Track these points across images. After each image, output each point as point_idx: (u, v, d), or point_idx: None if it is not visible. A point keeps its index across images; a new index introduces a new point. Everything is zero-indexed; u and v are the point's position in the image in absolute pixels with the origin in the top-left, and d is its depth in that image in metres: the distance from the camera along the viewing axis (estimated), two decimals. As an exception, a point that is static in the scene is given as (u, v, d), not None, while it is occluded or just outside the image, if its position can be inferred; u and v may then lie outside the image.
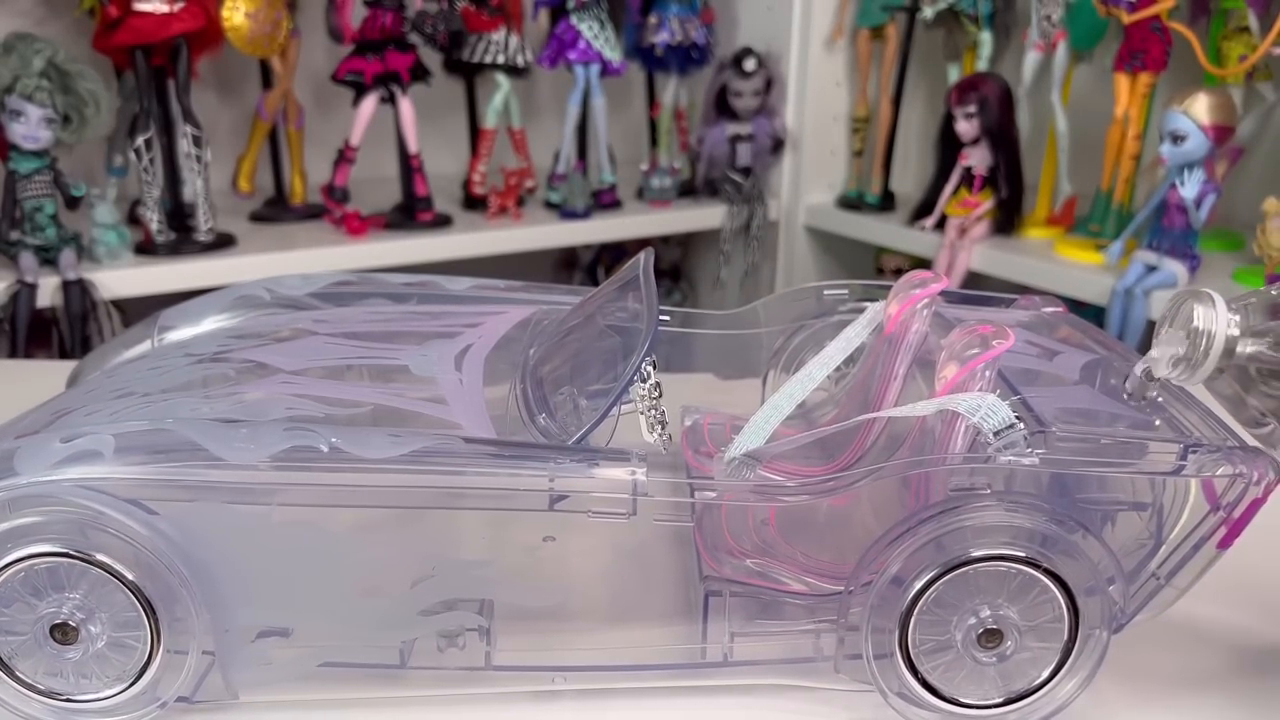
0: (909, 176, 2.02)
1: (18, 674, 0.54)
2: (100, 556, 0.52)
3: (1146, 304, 1.42)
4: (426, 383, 0.63)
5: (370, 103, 1.60)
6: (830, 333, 0.73)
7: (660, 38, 1.82)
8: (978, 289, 0.79)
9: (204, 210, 1.51)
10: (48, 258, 1.38)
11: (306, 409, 0.58)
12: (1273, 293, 0.51)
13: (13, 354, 1.37)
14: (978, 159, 1.66)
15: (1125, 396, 0.57)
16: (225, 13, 1.46)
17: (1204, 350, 0.49)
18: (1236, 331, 0.49)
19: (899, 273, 1.63)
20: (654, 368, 0.60)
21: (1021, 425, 0.53)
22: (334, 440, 0.53)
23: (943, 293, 0.68)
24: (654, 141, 1.97)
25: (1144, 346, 1.38)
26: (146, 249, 1.48)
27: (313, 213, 1.69)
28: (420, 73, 1.63)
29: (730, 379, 0.80)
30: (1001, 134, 1.63)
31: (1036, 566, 0.54)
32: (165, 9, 1.41)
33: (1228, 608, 0.67)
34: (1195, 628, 0.65)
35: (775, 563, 0.59)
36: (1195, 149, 1.36)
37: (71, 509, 0.52)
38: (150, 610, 0.53)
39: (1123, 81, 1.52)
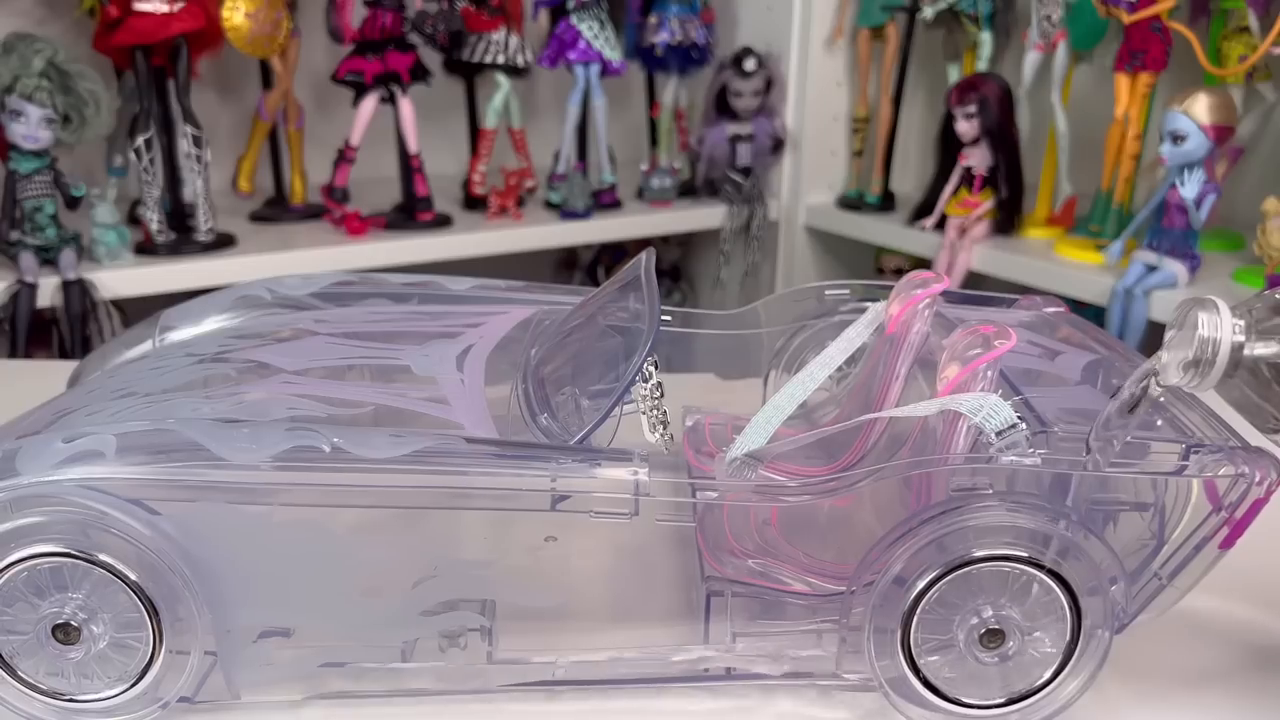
0: (909, 176, 2.03)
1: (20, 674, 0.54)
2: (102, 556, 0.52)
3: (1146, 304, 1.42)
4: (428, 383, 0.63)
5: (370, 103, 1.60)
6: (831, 333, 0.73)
7: (660, 38, 1.82)
8: (978, 289, 0.79)
9: (204, 210, 1.51)
10: (48, 258, 1.38)
11: (308, 409, 0.58)
12: (1278, 296, 0.51)
13: (13, 354, 1.37)
14: (978, 159, 1.66)
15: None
16: (225, 13, 1.46)
17: (1211, 356, 0.49)
18: (1242, 337, 0.49)
19: (899, 273, 1.63)
20: (655, 368, 0.60)
21: (1023, 425, 0.53)
22: (336, 440, 0.53)
23: (943, 293, 0.68)
24: (654, 141, 1.97)
25: (1144, 346, 1.39)
26: (146, 249, 1.48)
27: (313, 213, 1.69)
28: (420, 73, 1.63)
29: (731, 379, 0.80)
30: (1001, 134, 1.63)
31: (1039, 567, 0.54)
32: (165, 9, 1.41)
33: (1232, 605, 0.67)
34: (1199, 625, 0.65)
35: (777, 563, 0.59)
36: (1195, 149, 1.36)
37: (73, 509, 0.52)
38: (152, 610, 0.53)
39: (1123, 81, 1.52)
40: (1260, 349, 0.49)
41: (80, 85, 1.33)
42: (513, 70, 1.75)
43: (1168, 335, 0.51)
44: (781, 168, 1.97)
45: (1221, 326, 0.49)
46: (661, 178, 1.89)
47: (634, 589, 0.60)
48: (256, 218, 1.68)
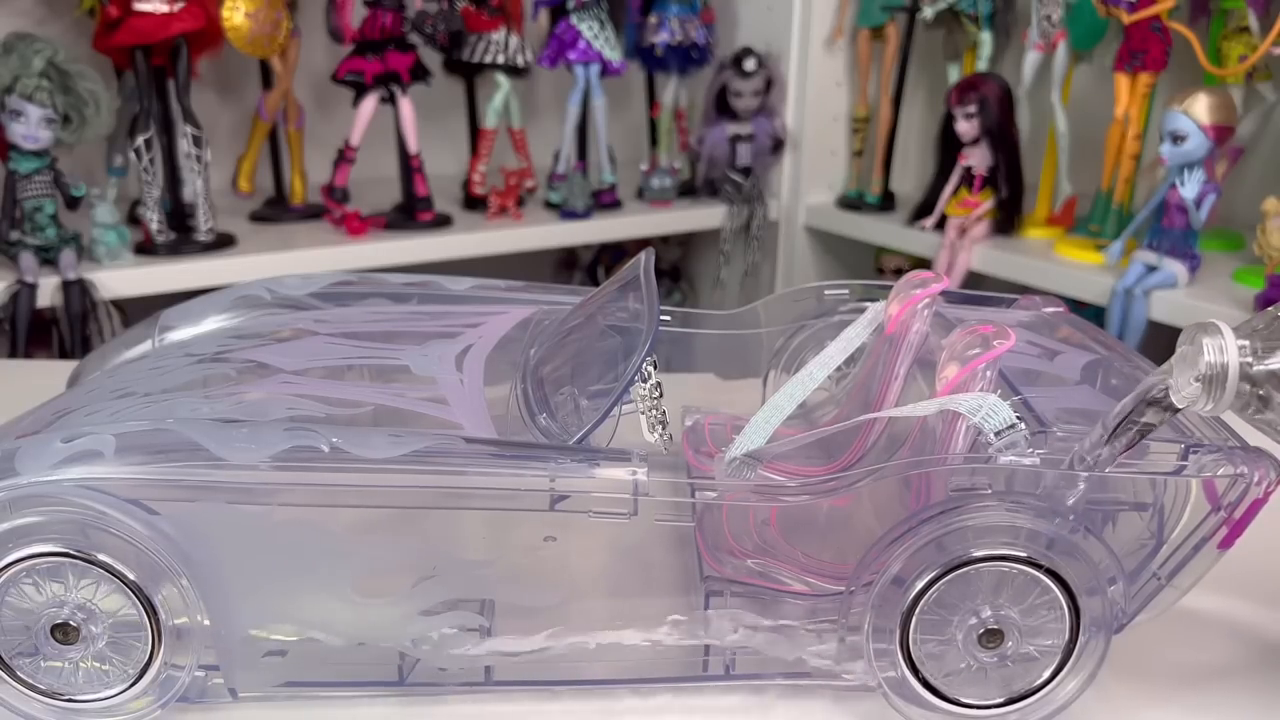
0: (909, 176, 2.03)
1: (19, 674, 0.54)
2: (101, 556, 0.52)
3: (1146, 304, 1.42)
4: (427, 383, 0.63)
5: (370, 103, 1.60)
6: (831, 333, 0.73)
7: (660, 38, 1.82)
8: (978, 289, 0.79)
9: (204, 210, 1.51)
10: (48, 258, 1.38)
11: (307, 409, 0.58)
12: (1275, 312, 0.51)
13: (13, 354, 1.37)
14: (978, 159, 1.66)
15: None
16: (225, 13, 1.46)
17: (1220, 380, 0.49)
18: (1249, 358, 0.49)
19: (899, 273, 1.63)
20: (655, 368, 0.60)
21: (1023, 425, 0.53)
22: (335, 440, 0.53)
23: (943, 293, 0.68)
24: (654, 141, 1.97)
25: (1144, 347, 1.39)
26: (146, 249, 1.48)
27: (313, 213, 1.69)
28: (420, 73, 1.63)
29: (731, 379, 0.80)
30: (1001, 134, 1.63)
31: (1037, 567, 0.54)
32: (165, 9, 1.41)
33: (1231, 604, 0.67)
34: (1199, 624, 0.65)
35: (776, 563, 0.59)
36: (1195, 149, 1.36)
37: (73, 509, 0.52)
38: (151, 610, 0.53)
39: (1123, 81, 1.52)
40: (1273, 364, 0.49)
41: (80, 85, 1.33)
42: (513, 70, 1.75)
43: (1178, 352, 0.51)
44: (781, 168, 1.97)
45: (1227, 349, 0.49)
46: (661, 178, 1.89)
47: (633, 589, 0.60)
48: (256, 218, 1.68)
